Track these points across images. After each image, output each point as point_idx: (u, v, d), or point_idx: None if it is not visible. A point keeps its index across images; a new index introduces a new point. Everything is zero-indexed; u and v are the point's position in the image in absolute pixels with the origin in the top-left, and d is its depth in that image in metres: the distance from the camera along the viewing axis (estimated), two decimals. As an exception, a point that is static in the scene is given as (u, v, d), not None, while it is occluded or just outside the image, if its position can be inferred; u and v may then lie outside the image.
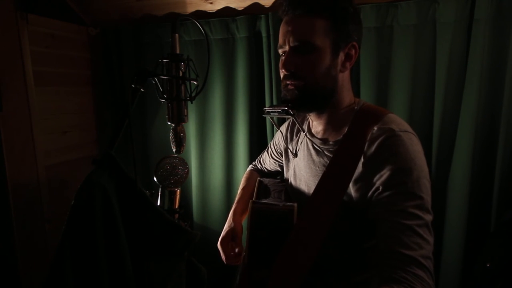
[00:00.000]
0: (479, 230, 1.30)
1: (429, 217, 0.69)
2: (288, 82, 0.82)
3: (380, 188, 0.72)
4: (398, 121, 0.79)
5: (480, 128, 1.27)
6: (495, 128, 1.26)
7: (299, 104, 0.82)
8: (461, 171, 1.28)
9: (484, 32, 1.21)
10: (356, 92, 1.40)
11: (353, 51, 0.82)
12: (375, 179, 0.73)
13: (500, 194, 1.24)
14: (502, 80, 1.23)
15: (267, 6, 1.49)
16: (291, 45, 0.79)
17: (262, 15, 1.48)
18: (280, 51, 0.84)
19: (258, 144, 1.63)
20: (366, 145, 0.76)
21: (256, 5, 1.49)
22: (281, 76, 0.84)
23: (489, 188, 1.28)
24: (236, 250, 0.96)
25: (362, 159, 0.76)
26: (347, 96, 0.86)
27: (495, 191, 1.25)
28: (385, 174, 0.72)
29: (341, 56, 0.81)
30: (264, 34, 1.50)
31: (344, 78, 0.84)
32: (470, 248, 1.30)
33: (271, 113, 0.88)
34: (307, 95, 0.81)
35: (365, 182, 0.76)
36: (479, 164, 1.29)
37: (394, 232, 0.67)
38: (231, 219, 1.02)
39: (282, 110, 0.84)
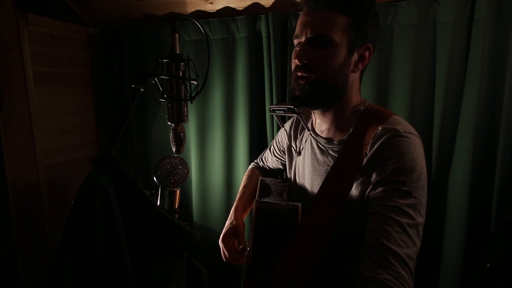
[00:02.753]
0: (479, 230, 1.30)
1: (420, 220, 0.69)
2: (299, 73, 0.80)
3: (378, 183, 0.73)
4: (403, 123, 0.79)
5: (480, 128, 1.27)
6: (495, 128, 1.26)
7: (307, 99, 0.81)
8: (461, 171, 1.28)
9: (484, 32, 1.21)
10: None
11: (367, 53, 0.81)
12: (375, 175, 0.74)
13: (500, 194, 1.24)
14: (502, 80, 1.23)
15: (267, 6, 1.49)
16: (308, 36, 0.78)
17: (262, 15, 1.48)
18: (295, 41, 0.83)
19: (258, 144, 1.63)
20: (370, 143, 0.76)
21: (256, 5, 1.49)
22: (293, 66, 0.83)
23: (489, 188, 1.27)
24: (240, 246, 0.96)
25: (365, 158, 0.77)
26: (354, 97, 0.86)
27: (495, 191, 1.25)
28: (385, 171, 0.72)
29: (355, 56, 0.80)
30: (264, 34, 1.49)
31: (354, 78, 0.84)
32: (470, 248, 1.30)
33: (277, 111, 0.88)
34: (317, 90, 0.80)
35: (366, 179, 0.76)
36: (479, 164, 1.29)
37: (384, 226, 0.67)
38: (233, 216, 1.02)
39: (288, 108, 0.84)
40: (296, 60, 0.80)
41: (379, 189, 0.72)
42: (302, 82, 0.80)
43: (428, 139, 1.35)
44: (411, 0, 1.28)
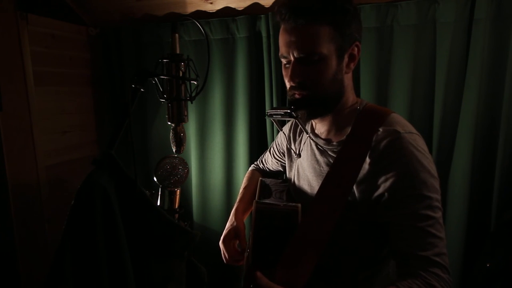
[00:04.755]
0: (479, 230, 1.30)
1: (439, 214, 0.71)
2: (295, 92, 0.80)
3: (388, 191, 0.73)
4: (402, 122, 0.79)
5: (480, 128, 1.27)
6: (495, 128, 1.26)
7: (307, 114, 0.82)
8: (461, 171, 1.28)
9: (484, 32, 1.21)
10: (356, 93, 1.40)
11: (356, 50, 0.81)
12: (381, 181, 0.74)
13: (500, 194, 1.24)
14: (502, 80, 1.23)
15: (267, 6, 1.49)
16: (295, 56, 0.76)
17: (262, 15, 1.48)
18: (283, 60, 0.82)
19: (258, 144, 1.63)
20: (372, 146, 0.76)
21: (256, 5, 1.50)
22: (287, 86, 0.83)
23: (489, 188, 1.28)
24: (241, 246, 0.96)
25: (367, 160, 0.76)
26: (350, 96, 0.86)
27: (495, 191, 1.25)
28: (391, 177, 0.72)
29: (346, 59, 0.80)
30: (264, 34, 1.49)
31: (348, 78, 0.84)
32: (470, 248, 1.30)
33: (274, 116, 0.88)
34: (315, 104, 0.80)
35: (370, 183, 0.76)
36: (479, 164, 1.29)
37: (406, 235, 0.70)
38: (233, 218, 1.02)
39: (285, 112, 0.84)
40: (291, 82, 0.80)
41: (392, 198, 0.72)
42: (299, 97, 0.81)
43: (428, 139, 1.35)
44: (411, 0, 1.28)
